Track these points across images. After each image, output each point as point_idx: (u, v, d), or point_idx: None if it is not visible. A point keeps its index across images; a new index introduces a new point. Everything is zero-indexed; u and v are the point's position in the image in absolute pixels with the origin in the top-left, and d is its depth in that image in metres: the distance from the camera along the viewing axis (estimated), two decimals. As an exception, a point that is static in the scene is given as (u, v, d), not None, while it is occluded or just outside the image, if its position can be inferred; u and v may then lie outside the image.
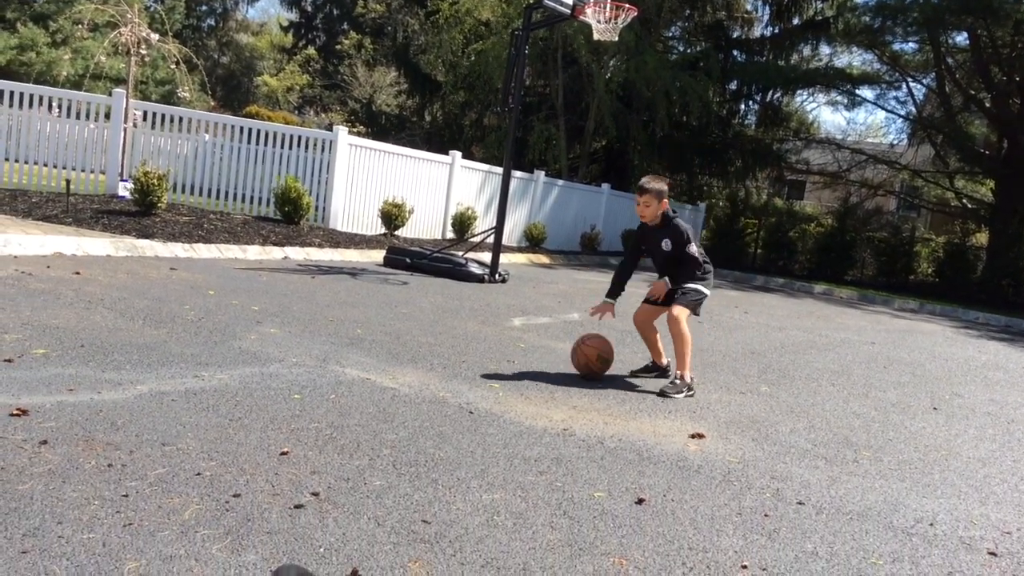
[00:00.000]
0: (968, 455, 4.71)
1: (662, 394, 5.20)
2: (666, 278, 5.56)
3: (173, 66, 12.86)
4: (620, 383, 5.45)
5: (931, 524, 3.40)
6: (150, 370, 4.14)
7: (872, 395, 6.23)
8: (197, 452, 3.11)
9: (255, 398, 3.90)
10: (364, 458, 3.29)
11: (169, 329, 5.14)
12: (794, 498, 3.51)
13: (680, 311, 5.40)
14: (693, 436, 4.30)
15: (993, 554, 3.15)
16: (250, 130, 12.81)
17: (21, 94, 11.74)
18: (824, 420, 5.14)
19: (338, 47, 44.76)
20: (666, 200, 5.47)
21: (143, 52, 11.74)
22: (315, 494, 2.85)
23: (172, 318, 5.49)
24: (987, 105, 22.58)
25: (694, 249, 5.49)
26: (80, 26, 12.49)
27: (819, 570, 2.79)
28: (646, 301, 5.72)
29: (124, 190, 11.11)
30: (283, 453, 3.22)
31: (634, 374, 5.79)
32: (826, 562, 2.87)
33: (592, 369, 5.42)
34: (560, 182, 19.28)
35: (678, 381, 5.32)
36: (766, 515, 3.25)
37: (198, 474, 2.90)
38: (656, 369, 5.80)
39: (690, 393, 5.33)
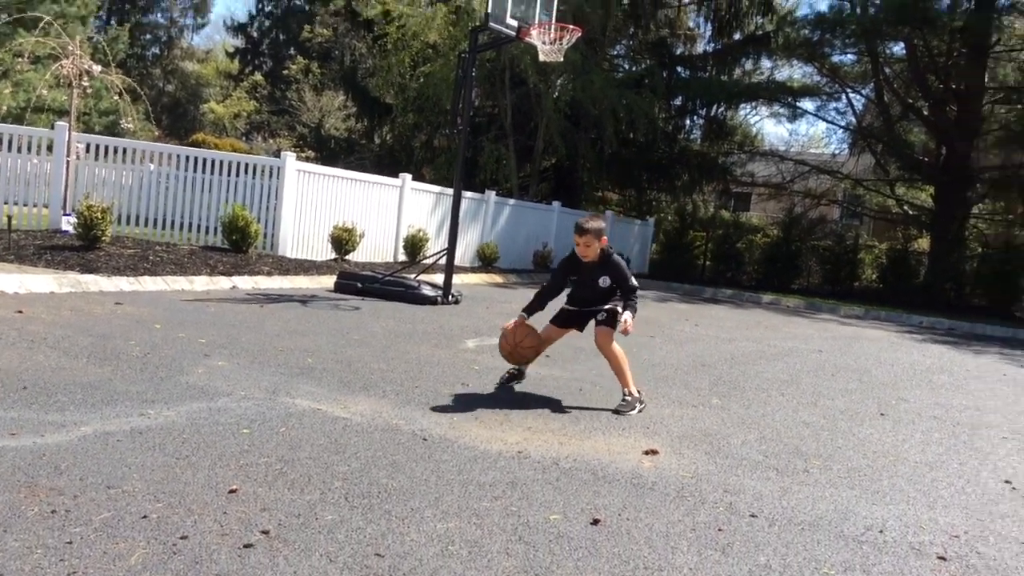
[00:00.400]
0: (915, 460, 4.80)
1: (617, 412, 5.23)
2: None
3: (116, 97, 12.71)
4: (574, 403, 5.46)
5: (881, 531, 3.45)
6: (95, 410, 4.07)
7: (821, 403, 6.33)
8: (143, 494, 3.05)
9: (203, 434, 3.85)
10: (315, 492, 3.26)
11: (114, 366, 5.05)
12: (747, 511, 3.54)
13: (605, 335, 5.43)
14: (647, 452, 4.32)
15: (943, 558, 3.21)
16: (196, 159, 12.69)
17: (-42, 129, 11.51)
18: (775, 430, 5.21)
19: (285, 72, 44.55)
20: (605, 237, 5.51)
21: (85, 84, 11.59)
22: (265, 532, 2.82)
23: (117, 355, 5.39)
24: (925, 113, 23.17)
25: (634, 281, 5.55)
26: (21, 59, 12.29)
27: (772, 584, 2.82)
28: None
29: (67, 224, 10.92)
30: (232, 491, 3.17)
31: (504, 383, 5.78)
32: (779, 574, 2.90)
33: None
34: (511, 201, 19.36)
35: (628, 398, 5.37)
36: (720, 529, 3.28)
37: (144, 517, 2.84)
38: (519, 374, 5.86)
39: (642, 406, 5.37)
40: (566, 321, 5.74)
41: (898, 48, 23.09)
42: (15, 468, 3.17)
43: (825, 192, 25.88)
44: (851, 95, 24.56)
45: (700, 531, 3.24)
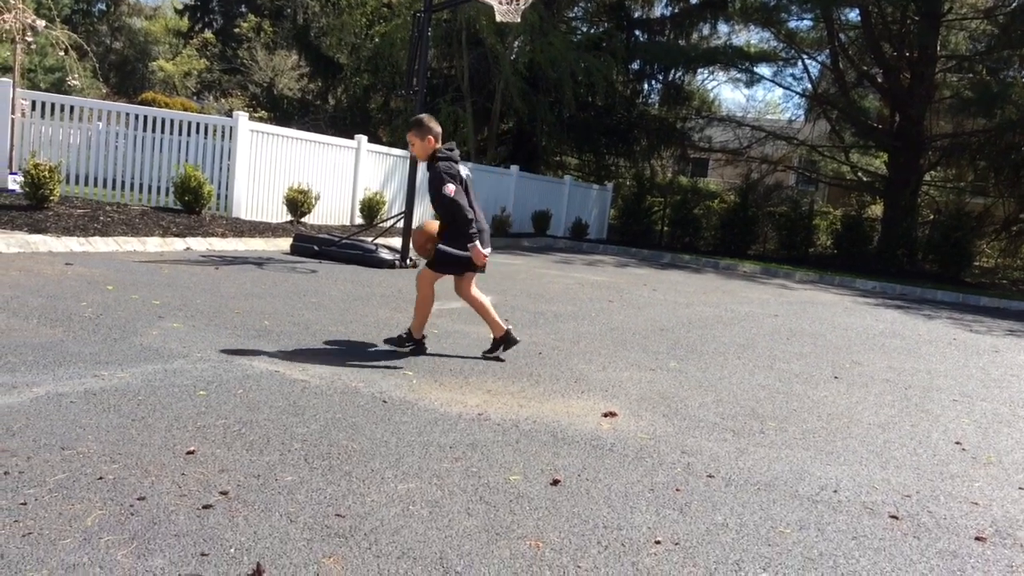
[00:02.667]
0: (868, 421, 4.89)
1: (386, 341, 5.40)
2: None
3: (62, 53, 12.35)
4: (533, 366, 5.47)
5: (835, 491, 3.52)
6: (47, 371, 3.98)
7: (776, 366, 6.41)
8: (99, 455, 3.00)
9: (158, 396, 3.79)
10: (275, 453, 3.23)
11: (66, 327, 4.95)
12: (704, 471, 3.59)
13: (422, 273, 5.40)
14: (606, 415, 4.35)
15: (895, 517, 3.27)
16: (146, 117, 12.41)
17: None
18: (731, 393, 5.27)
19: (236, 30, 43.57)
20: (432, 138, 5.42)
21: (29, 39, 11.23)
22: (224, 493, 2.79)
23: (69, 316, 5.28)
24: (879, 80, 23.39)
25: (451, 189, 5.17)
26: (-41, 12, 11.91)
27: (729, 541, 2.86)
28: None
29: (14, 183, 10.63)
30: (189, 452, 3.13)
31: (486, 356, 5.54)
32: (736, 533, 2.94)
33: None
34: (468, 165, 19.18)
35: (404, 335, 5.42)
36: (678, 490, 3.32)
37: (100, 478, 2.80)
38: (502, 342, 5.53)
39: (410, 347, 5.37)
40: None
41: (853, 15, 23.27)
42: (-36, 431, 3.10)
43: (781, 158, 26.12)
44: (807, 61, 24.74)
45: (658, 491, 3.28)
